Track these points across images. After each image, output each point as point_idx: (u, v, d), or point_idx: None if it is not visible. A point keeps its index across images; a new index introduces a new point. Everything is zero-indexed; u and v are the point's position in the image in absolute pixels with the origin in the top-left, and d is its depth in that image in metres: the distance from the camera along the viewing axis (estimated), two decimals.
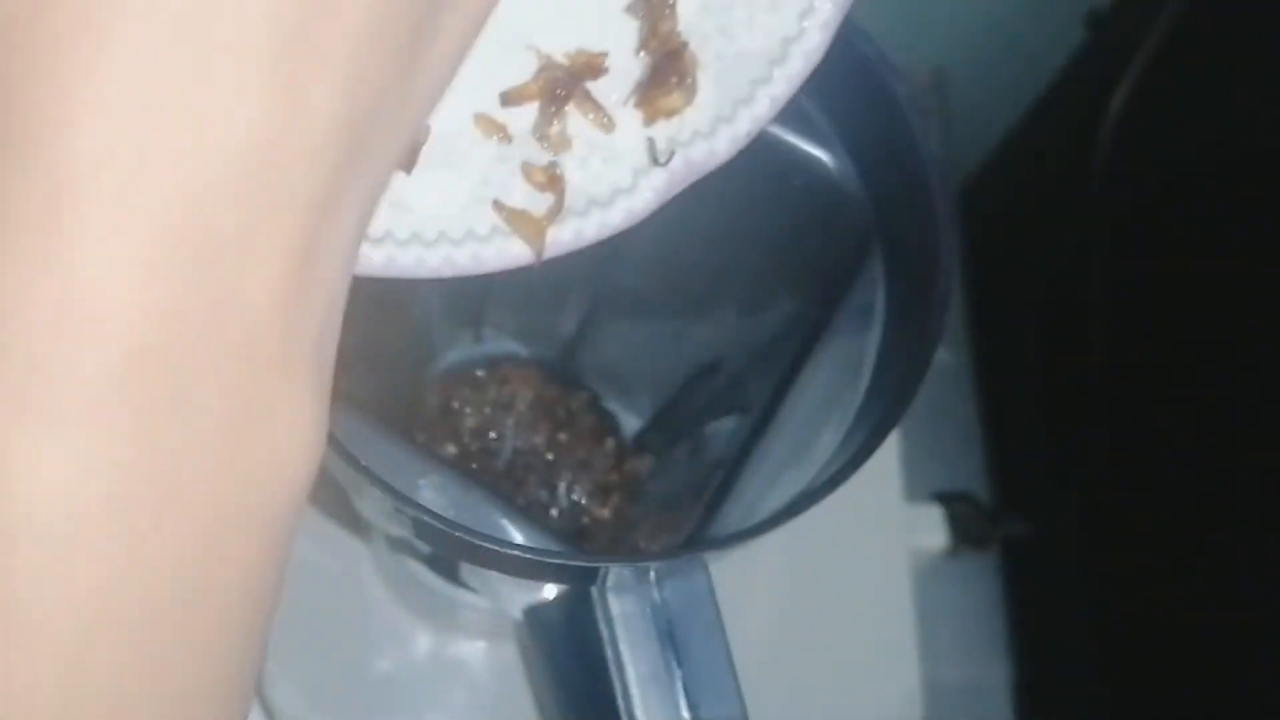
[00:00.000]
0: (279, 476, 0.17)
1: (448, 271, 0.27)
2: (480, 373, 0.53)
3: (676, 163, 0.27)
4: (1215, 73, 0.57)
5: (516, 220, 0.27)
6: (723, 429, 0.47)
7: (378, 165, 0.18)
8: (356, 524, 0.48)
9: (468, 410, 0.52)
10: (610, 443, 0.53)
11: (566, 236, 0.27)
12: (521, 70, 0.27)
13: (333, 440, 0.32)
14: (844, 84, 0.36)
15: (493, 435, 0.53)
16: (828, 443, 0.37)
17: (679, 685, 0.33)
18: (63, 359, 0.15)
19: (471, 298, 0.51)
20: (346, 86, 0.16)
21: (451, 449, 0.52)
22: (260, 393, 0.16)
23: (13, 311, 0.15)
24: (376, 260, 0.26)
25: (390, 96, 0.17)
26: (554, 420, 0.53)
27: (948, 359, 0.67)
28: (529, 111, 0.27)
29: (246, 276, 0.16)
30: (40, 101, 0.15)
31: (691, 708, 0.33)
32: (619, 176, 0.27)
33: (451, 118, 0.26)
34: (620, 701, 0.33)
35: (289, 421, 0.17)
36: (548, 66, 0.27)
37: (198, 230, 0.15)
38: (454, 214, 0.26)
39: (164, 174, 0.15)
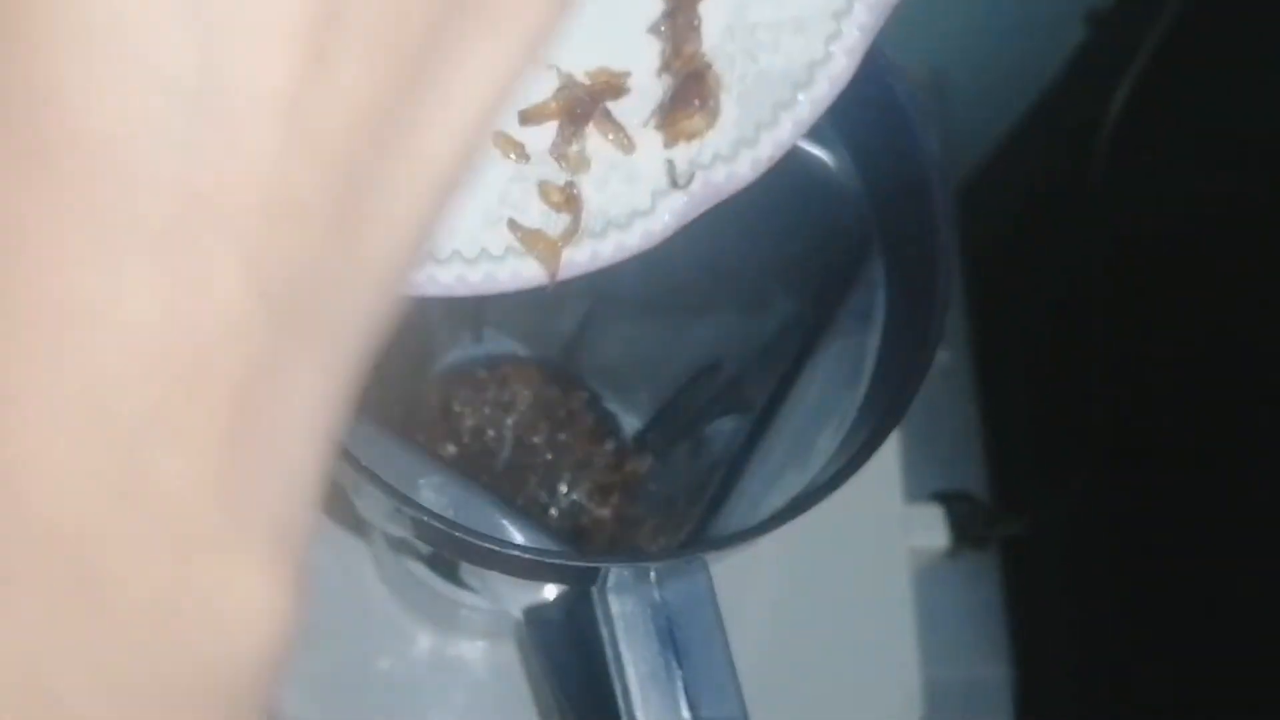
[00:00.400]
0: (231, 655, 0.17)
1: (461, 290, 0.27)
2: (480, 373, 0.53)
3: (696, 185, 0.27)
4: (1215, 72, 0.57)
5: (532, 240, 0.27)
6: (723, 429, 0.47)
7: (332, 333, 0.17)
8: (356, 524, 0.48)
9: (468, 410, 0.52)
10: (610, 443, 0.53)
11: (582, 258, 0.27)
12: (541, 88, 0.26)
13: None
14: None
15: (492, 435, 0.53)
16: (828, 443, 0.36)
17: (679, 685, 0.33)
18: None
19: (471, 298, 0.51)
20: (253, 262, 0.15)
21: (451, 449, 0.52)
22: (193, 573, 0.16)
23: None
24: None
25: (325, 265, 0.16)
26: (554, 420, 0.53)
27: (947, 359, 0.67)
28: (548, 130, 0.26)
29: (163, 459, 0.15)
30: None
31: (691, 708, 0.33)
32: (637, 199, 0.27)
33: None
34: (620, 701, 0.33)
35: (237, 599, 0.16)
36: (568, 85, 0.26)
37: (101, 416, 0.15)
38: (468, 232, 0.26)
39: (62, 360, 0.15)
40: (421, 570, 0.45)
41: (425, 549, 0.41)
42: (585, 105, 0.26)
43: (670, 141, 0.27)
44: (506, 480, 0.52)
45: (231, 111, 0.15)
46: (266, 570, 0.16)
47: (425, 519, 0.31)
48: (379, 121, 0.16)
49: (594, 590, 0.33)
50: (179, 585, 0.16)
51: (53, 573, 0.15)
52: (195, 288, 0.15)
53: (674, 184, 0.27)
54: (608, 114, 0.26)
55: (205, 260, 0.15)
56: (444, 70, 0.16)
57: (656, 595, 0.33)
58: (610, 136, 0.27)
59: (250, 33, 0.14)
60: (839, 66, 0.27)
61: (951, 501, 0.60)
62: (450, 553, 0.35)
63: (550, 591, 0.37)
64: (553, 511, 0.52)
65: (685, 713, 0.33)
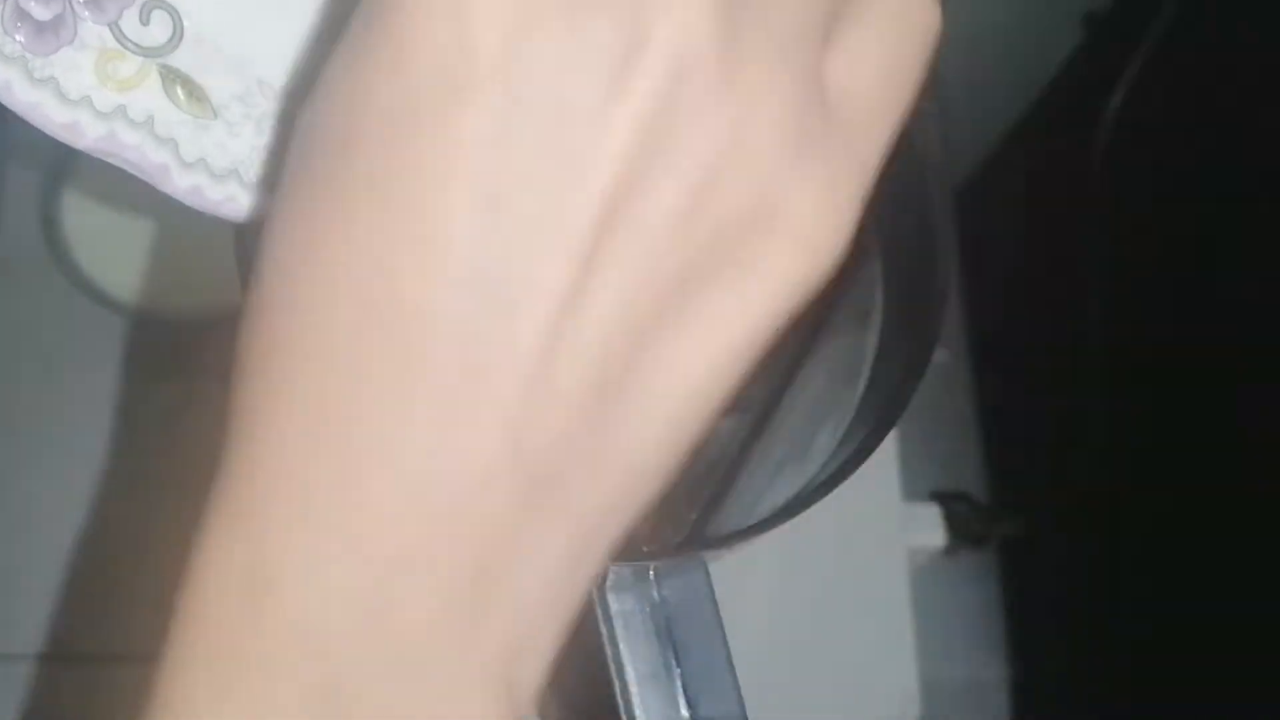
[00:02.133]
0: None
1: None
2: None
3: None
4: (1212, 72, 0.57)
5: None
6: (721, 428, 0.47)
7: (579, 508, 0.19)
8: None
9: None
10: None
11: None
12: None
13: None
14: None
15: None
16: (826, 442, 0.37)
17: (678, 684, 0.33)
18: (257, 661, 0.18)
19: None
20: (511, 430, 0.18)
21: None
22: (425, 697, 0.18)
23: (218, 623, 0.18)
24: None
25: (576, 445, 0.18)
26: None
27: (945, 359, 0.67)
28: None
29: (411, 588, 0.18)
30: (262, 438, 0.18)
31: (690, 706, 0.33)
32: None
33: None
34: (619, 700, 0.33)
35: None
36: None
37: (364, 544, 0.18)
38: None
39: (345, 490, 0.18)
40: None
41: None
42: None
43: None
44: None
45: (513, 302, 0.17)
46: (490, 708, 0.19)
47: None
48: (630, 336, 0.18)
49: (593, 589, 0.33)
50: (410, 705, 0.18)
51: (301, 675, 0.17)
52: (462, 445, 0.18)
53: None
54: None
55: (473, 424, 0.18)
56: (693, 305, 0.18)
57: (656, 594, 0.33)
58: None
59: (540, 238, 0.17)
60: None
61: (949, 501, 0.60)
62: None
63: None
64: None
65: (684, 711, 0.33)
